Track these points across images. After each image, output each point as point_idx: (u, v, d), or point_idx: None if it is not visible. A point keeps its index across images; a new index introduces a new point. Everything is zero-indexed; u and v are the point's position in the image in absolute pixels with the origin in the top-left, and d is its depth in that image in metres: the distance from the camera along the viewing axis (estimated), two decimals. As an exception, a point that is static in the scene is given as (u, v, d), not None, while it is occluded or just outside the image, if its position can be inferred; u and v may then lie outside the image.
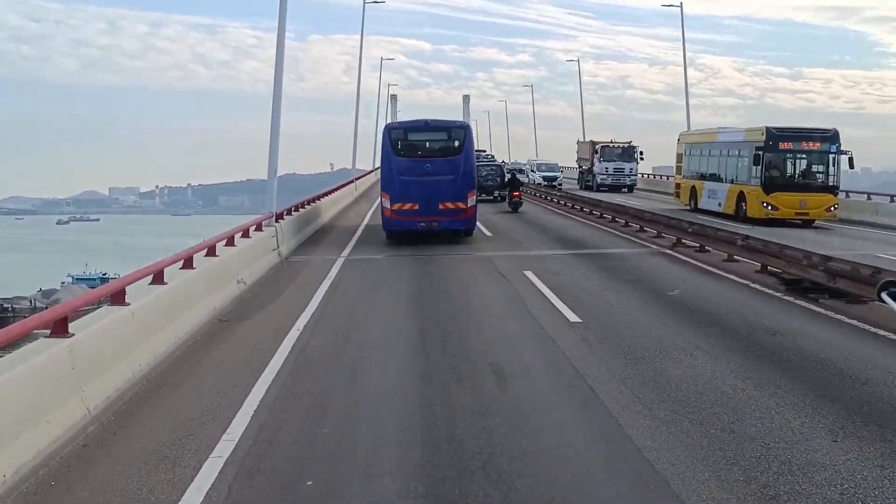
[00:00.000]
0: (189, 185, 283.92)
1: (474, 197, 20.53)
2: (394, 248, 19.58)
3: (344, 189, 37.00)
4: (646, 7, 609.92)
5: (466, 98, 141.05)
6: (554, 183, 46.14)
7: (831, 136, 24.95)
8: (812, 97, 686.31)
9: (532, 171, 50.76)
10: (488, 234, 22.48)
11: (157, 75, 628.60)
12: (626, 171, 46.28)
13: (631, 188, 46.31)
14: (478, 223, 24.28)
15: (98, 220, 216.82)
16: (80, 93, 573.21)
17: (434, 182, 19.84)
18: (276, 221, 17.91)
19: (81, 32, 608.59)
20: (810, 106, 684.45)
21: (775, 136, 24.97)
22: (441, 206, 19.89)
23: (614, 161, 46.07)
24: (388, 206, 20.17)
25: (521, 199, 31.28)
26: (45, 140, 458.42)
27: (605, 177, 45.95)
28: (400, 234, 20.46)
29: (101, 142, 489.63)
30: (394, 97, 66.78)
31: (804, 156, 25.44)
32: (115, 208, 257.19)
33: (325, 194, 28.34)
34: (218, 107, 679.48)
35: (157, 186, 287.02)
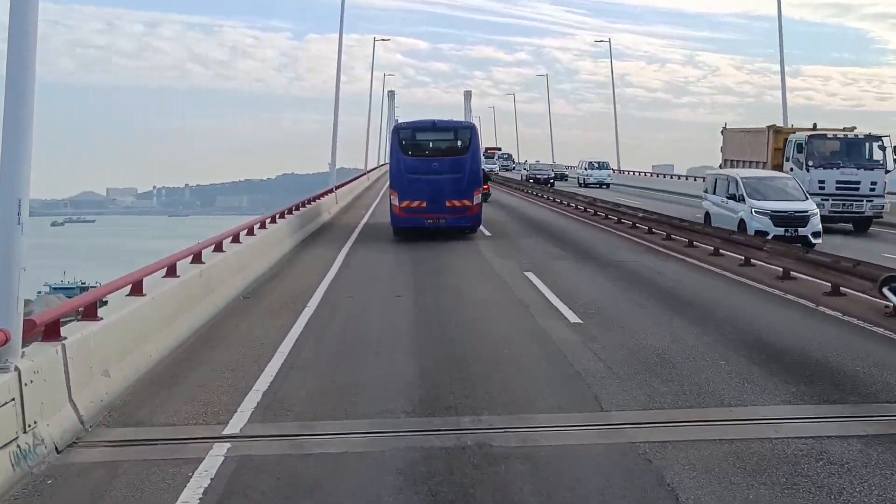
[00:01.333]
0: (187, 185, 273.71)
1: (480, 195, 20.72)
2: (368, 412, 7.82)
3: (318, 202, 25.23)
4: (642, 5, 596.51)
5: (468, 94, 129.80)
6: (803, 233, 18.25)
7: None
8: (811, 95, 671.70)
9: (724, 194, 20.36)
10: (574, 318, 10.66)
11: (154, 75, 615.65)
12: (866, 189, 22.74)
13: (867, 223, 23.47)
14: (539, 283, 12.98)
15: (94, 221, 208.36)
16: (78, 93, 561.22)
17: (441, 180, 19.91)
18: (53, 338, 6.38)
19: (78, 32, 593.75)
20: (809, 104, 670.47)
21: None
22: (448, 204, 19.93)
23: (838, 166, 22.85)
24: (397, 204, 20.16)
25: (489, 190, 33.79)
26: (45, 140, 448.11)
27: (820, 200, 21.49)
28: (408, 230, 20.24)
29: (100, 142, 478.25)
30: (391, 93, 56.60)
31: None
32: (112, 209, 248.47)
33: (259, 226, 15.98)
34: (215, 106, 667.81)
35: (154, 187, 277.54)
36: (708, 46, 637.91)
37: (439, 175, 19.93)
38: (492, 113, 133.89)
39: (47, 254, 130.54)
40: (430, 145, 20.88)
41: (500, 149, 79.95)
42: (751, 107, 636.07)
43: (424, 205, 19.80)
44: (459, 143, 20.68)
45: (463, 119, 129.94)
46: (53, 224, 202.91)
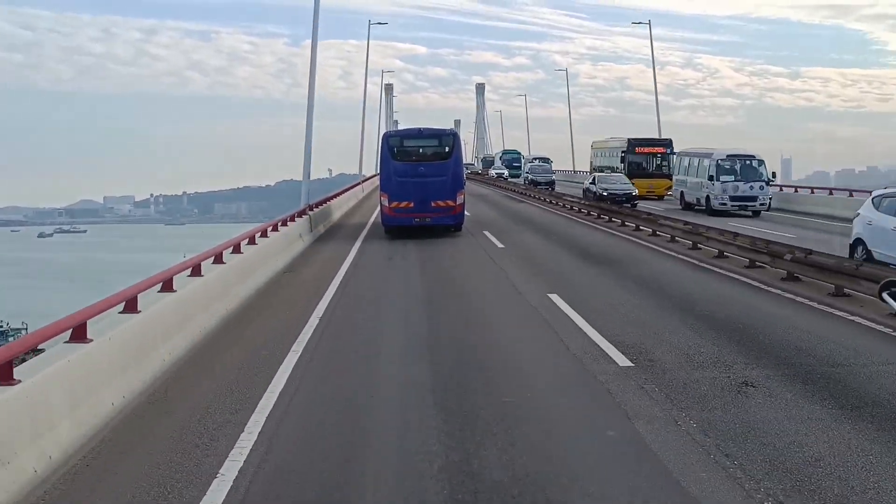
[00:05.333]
0: (184, 192, 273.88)
1: (462, 196, 22.53)
2: None
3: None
4: (640, 8, 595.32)
5: (480, 87, 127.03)
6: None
7: None
8: (811, 96, 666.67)
9: None
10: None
11: (152, 82, 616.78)
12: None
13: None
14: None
15: (85, 231, 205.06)
16: (75, 100, 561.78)
17: (427, 183, 21.86)
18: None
19: (75, 40, 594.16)
20: (809, 105, 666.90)
21: None
22: (433, 204, 21.85)
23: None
24: (387, 205, 22.18)
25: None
26: (43, 149, 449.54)
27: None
28: (397, 228, 22.17)
29: (97, 150, 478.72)
30: (389, 86, 57.04)
31: None
32: (108, 218, 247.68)
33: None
34: (214, 113, 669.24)
35: (151, 195, 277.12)
36: (707, 49, 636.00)
37: (425, 178, 21.95)
38: (497, 115, 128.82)
39: (20, 271, 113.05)
40: (417, 151, 22.93)
41: (668, 142, 40.41)
42: (751, 108, 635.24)
43: (412, 205, 21.86)
44: (444, 148, 22.78)
45: (476, 114, 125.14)
46: (41, 235, 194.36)
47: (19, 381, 5.59)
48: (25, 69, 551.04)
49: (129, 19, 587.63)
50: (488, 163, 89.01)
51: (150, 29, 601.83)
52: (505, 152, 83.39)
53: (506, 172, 66.53)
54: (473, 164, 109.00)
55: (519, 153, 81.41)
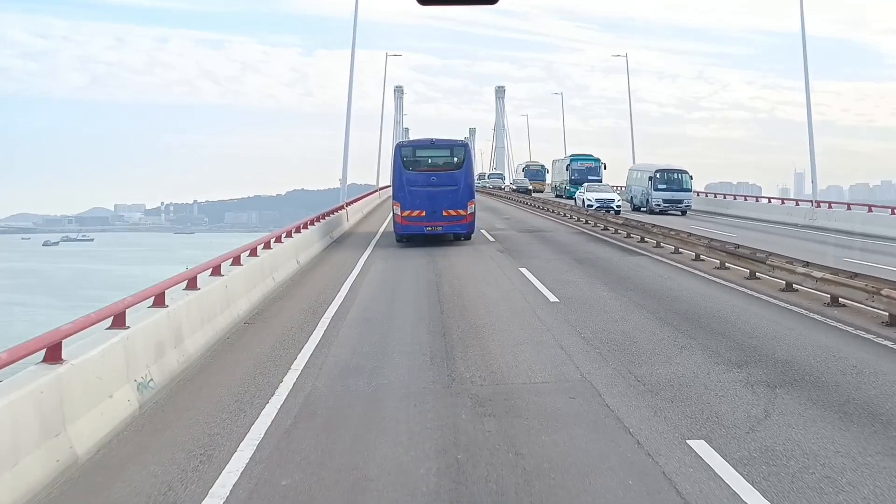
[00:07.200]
0: (195, 201, 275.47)
1: (473, 205, 23.65)
2: None
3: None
4: (652, 20, 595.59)
5: (500, 91, 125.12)
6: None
7: None
8: (823, 110, 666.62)
9: None
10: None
11: (164, 90, 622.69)
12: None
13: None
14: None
15: (92, 240, 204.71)
16: (88, 108, 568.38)
17: (439, 192, 22.96)
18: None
19: (88, 48, 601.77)
20: (822, 119, 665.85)
21: None
22: (445, 213, 23.03)
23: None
24: (399, 213, 23.38)
25: None
26: (54, 156, 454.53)
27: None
28: (409, 237, 23.42)
29: (109, 158, 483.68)
30: (399, 88, 57.94)
31: None
32: (118, 226, 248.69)
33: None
34: (225, 122, 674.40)
35: (162, 203, 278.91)
36: (719, 62, 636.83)
37: (437, 187, 23.05)
38: (501, 130, 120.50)
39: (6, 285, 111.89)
40: (429, 161, 23.92)
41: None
42: (762, 121, 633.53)
43: (424, 214, 23.03)
44: (455, 159, 23.80)
45: (495, 120, 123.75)
46: (46, 244, 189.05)
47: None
48: (39, 77, 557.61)
49: (142, 28, 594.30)
50: (534, 173, 68.54)
51: (163, 37, 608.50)
52: (574, 158, 55.73)
53: (617, 200, 39.83)
54: (502, 175, 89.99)
55: (598, 160, 54.47)
